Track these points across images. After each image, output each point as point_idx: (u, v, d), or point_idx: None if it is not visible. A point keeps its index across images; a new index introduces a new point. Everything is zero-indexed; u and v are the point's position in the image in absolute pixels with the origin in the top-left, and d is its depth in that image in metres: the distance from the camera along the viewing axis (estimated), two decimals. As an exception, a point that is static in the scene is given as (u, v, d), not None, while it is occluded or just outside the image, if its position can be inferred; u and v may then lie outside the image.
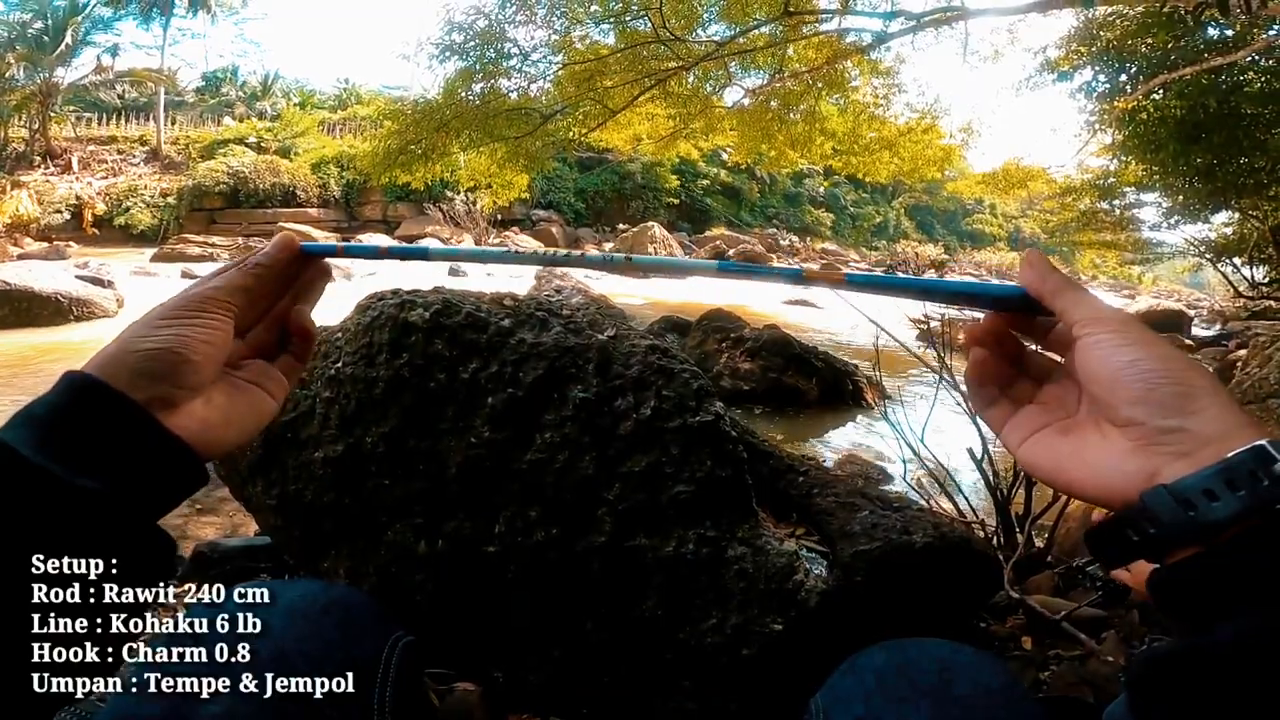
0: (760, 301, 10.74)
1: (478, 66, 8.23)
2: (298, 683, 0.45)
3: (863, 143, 10.00)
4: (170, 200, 20.02)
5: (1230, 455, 0.29)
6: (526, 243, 20.74)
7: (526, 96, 8.74)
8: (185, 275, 10.23)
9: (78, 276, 7.51)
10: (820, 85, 8.82)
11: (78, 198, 19.42)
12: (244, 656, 0.44)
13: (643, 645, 1.05)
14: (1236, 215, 9.62)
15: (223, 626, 0.45)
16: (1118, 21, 6.92)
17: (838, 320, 9.02)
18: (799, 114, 9.45)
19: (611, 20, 8.08)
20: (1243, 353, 6.19)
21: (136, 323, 0.41)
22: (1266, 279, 10.65)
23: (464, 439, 1.11)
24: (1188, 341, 9.58)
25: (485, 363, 1.11)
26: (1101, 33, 7.20)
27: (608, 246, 16.20)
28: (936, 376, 2.06)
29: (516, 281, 10.09)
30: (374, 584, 1.15)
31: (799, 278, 0.44)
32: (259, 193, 20.36)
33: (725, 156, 23.11)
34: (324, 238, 16.27)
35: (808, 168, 24.01)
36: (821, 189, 35.93)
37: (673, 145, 11.33)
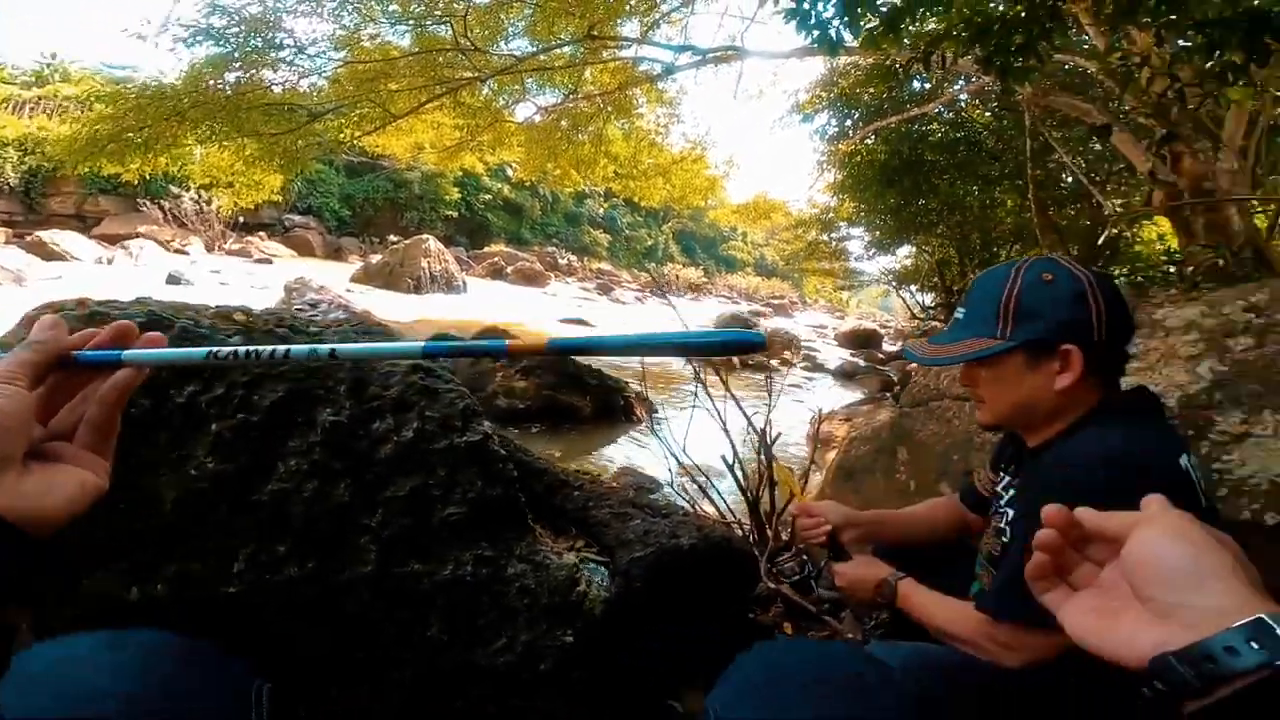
0: (537, 319, 10.81)
1: (237, 55, 7.17)
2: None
3: (642, 168, 10.68)
4: None
5: (1233, 626, 0.34)
6: (276, 249, 18.41)
7: (294, 91, 7.84)
8: None
9: None
10: (610, 109, 9.22)
11: None
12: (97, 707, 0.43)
13: (435, 672, 0.99)
14: (914, 249, 12.02)
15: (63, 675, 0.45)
16: (852, 71, 8.22)
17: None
18: (587, 135, 9.78)
19: (411, 22, 7.60)
20: (915, 366, 7.73)
21: None
22: (933, 304, 13.49)
23: (180, 471, 0.94)
24: (880, 355, 11.74)
25: (206, 385, 0.94)
26: (839, 80, 8.50)
27: (375, 258, 15.05)
28: (693, 393, 2.24)
29: (260, 294, 8.87)
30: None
31: (504, 351, 0.46)
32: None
33: (511, 172, 22.96)
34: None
35: (589, 189, 24.88)
36: (601, 210, 37.52)
37: (457, 156, 11.00)
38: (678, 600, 1.35)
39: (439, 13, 7.48)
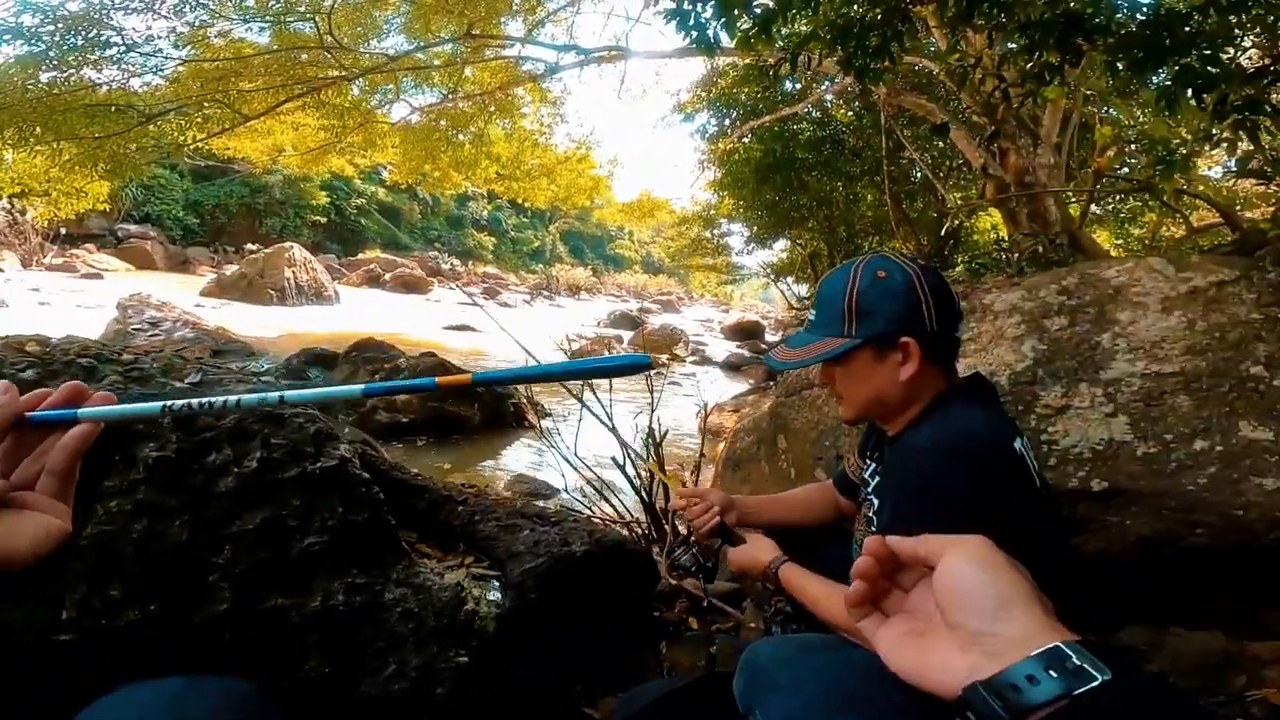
0: (418, 328, 10.35)
1: (53, 53, 6.26)
2: None
3: (525, 168, 10.49)
4: None
5: (1032, 655, 0.35)
6: (108, 263, 16.39)
7: (123, 91, 6.98)
8: None
9: None
10: (492, 109, 8.95)
11: None
12: None
13: (322, 707, 0.91)
14: (789, 243, 12.67)
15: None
16: (730, 71, 8.48)
17: (496, 344, 9.19)
18: (468, 136, 9.46)
19: (269, 19, 6.94)
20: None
21: None
22: (808, 294, 14.28)
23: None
24: (764, 345, 12.30)
25: (-4, 423, 0.80)
26: (718, 80, 8.75)
27: (230, 269, 13.78)
28: (578, 398, 2.21)
29: (89, 314, 7.83)
30: None
31: (433, 387, 0.51)
32: None
33: (385, 175, 21.79)
34: None
35: (472, 190, 24.13)
36: (485, 213, 36.55)
37: (323, 159, 10.29)
38: (575, 607, 1.32)
39: (302, 9, 6.95)
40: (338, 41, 6.88)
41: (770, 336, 14.72)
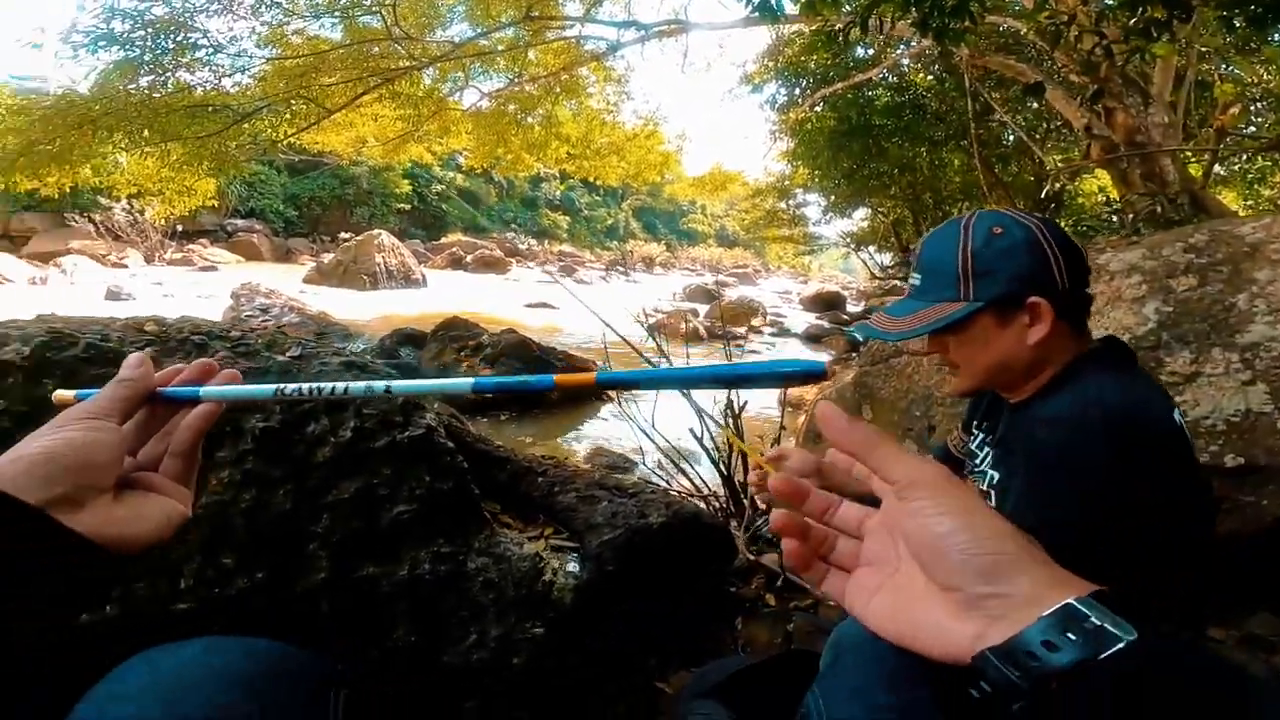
0: (499, 307, 10.64)
1: (146, 58, 6.78)
2: None
3: (594, 147, 10.55)
4: None
5: (1044, 615, 0.31)
6: (220, 256, 17.76)
7: (217, 91, 7.48)
8: None
9: None
10: (558, 90, 9.05)
11: None
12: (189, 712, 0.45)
13: (408, 677, 0.95)
14: (869, 211, 12.18)
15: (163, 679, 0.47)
16: (797, 39, 8.22)
17: (574, 320, 9.33)
18: (537, 118, 9.62)
19: (337, 15, 7.29)
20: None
21: (30, 436, 0.43)
22: (891, 263, 13.71)
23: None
24: (845, 316, 11.89)
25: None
26: (785, 49, 8.49)
27: (327, 257, 14.62)
28: (658, 365, 2.20)
29: (206, 303, 8.53)
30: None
31: (550, 387, 0.46)
32: None
33: (462, 160, 22.47)
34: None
35: (544, 172, 24.52)
36: (558, 193, 37.08)
37: (403, 148, 10.71)
38: (651, 580, 1.33)
39: (367, 2, 7.20)
40: (405, 32, 7.08)
41: (851, 307, 14.22)
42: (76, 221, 16.27)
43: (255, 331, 1.00)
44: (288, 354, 0.97)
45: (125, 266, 14.59)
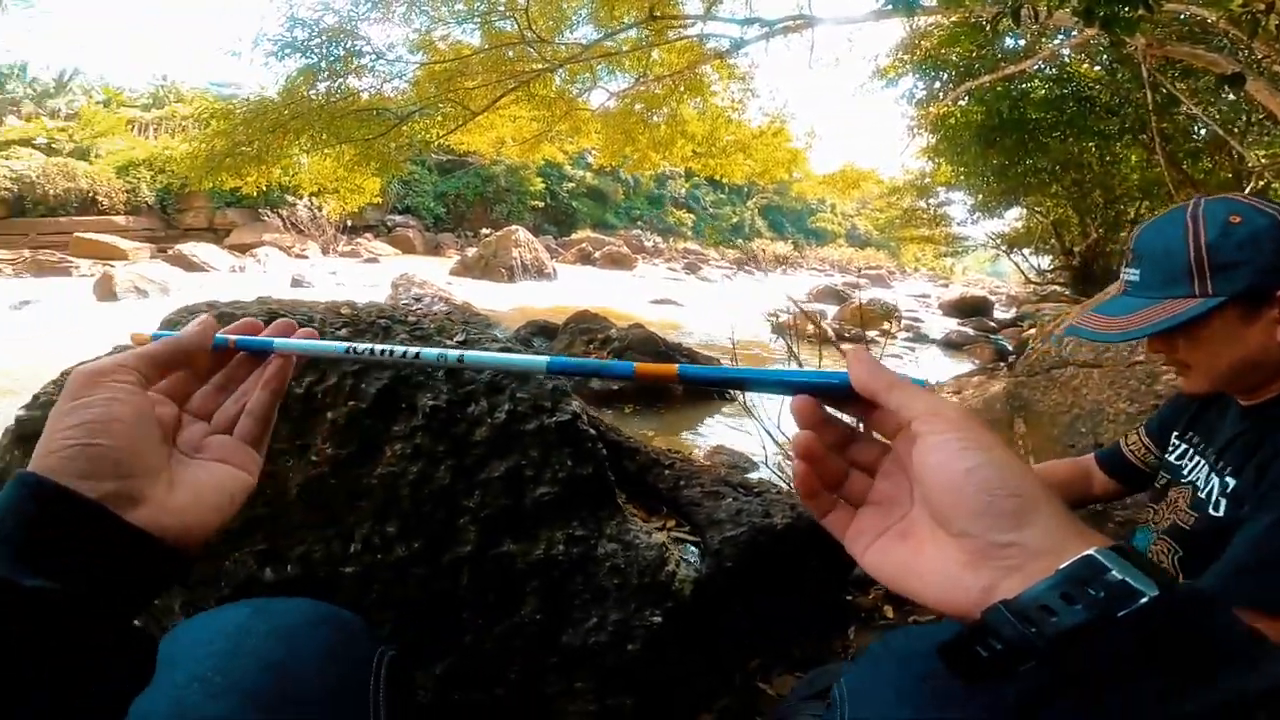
0: (627, 302, 10.91)
1: (323, 65, 7.67)
2: (295, 694, 0.47)
3: (720, 145, 10.53)
4: (-58, 210, 16.69)
5: (1063, 567, 0.29)
6: (381, 249, 19.57)
7: (380, 96, 8.30)
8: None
9: None
10: (682, 89, 9.16)
11: None
12: (242, 668, 0.46)
13: (528, 652, 1.03)
14: (1024, 211, 11.15)
15: (214, 640, 0.48)
16: (935, 31, 7.76)
17: (699, 317, 9.37)
18: (662, 117, 9.78)
19: (476, 20, 7.87)
20: (1033, 331, 7.22)
21: (54, 410, 0.39)
22: (1051, 266, 12.48)
23: (304, 458, 1.02)
24: (991, 324, 10.98)
25: (321, 376, 1.02)
26: (921, 42, 8.04)
27: (470, 251, 15.69)
28: (787, 366, 2.18)
29: (371, 291, 9.49)
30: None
31: (631, 374, 0.44)
32: (49, 199, 17.52)
33: (591, 159, 23.29)
34: (133, 249, 14.28)
35: (669, 170, 24.83)
36: (683, 190, 37.31)
37: (537, 148, 11.27)
38: (770, 580, 1.33)
39: (502, 7, 7.63)
40: (537, 35, 7.42)
41: (1000, 313, 13.12)
42: (268, 217, 18.64)
43: (428, 317, 1.13)
44: (455, 339, 1.08)
45: (306, 257, 16.58)
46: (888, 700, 0.55)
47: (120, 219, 18.13)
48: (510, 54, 7.90)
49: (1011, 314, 13.36)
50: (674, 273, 20.85)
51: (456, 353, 0.46)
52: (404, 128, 8.20)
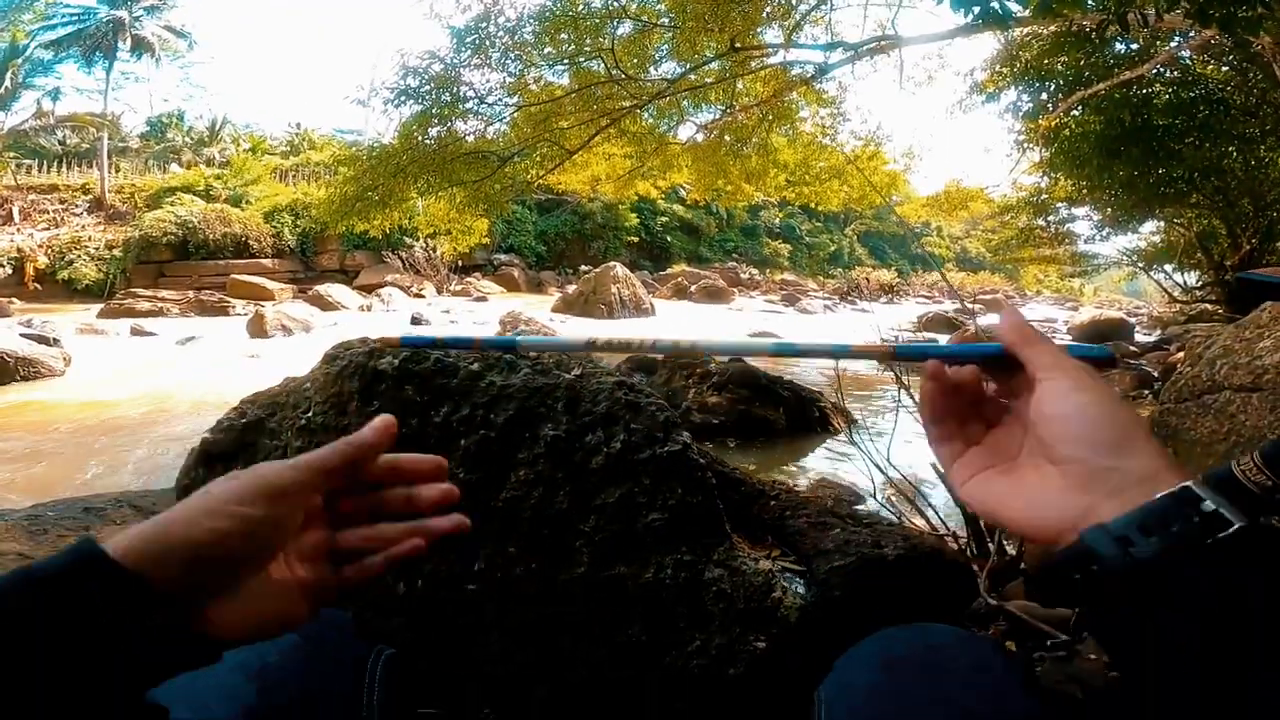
0: (724, 335, 10.89)
1: (433, 110, 8.28)
2: (288, 690, 0.47)
3: (813, 172, 10.39)
4: (116, 253, 19.23)
5: (1161, 494, 0.31)
6: (488, 287, 20.71)
7: (483, 139, 8.78)
8: (135, 332, 9.78)
9: (22, 334, 7.17)
10: (770, 117, 9.15)
11: (19, 250, 18.50)
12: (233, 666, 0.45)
13: (630, 673, 1.06)
14: (1162, 224, 10.17)
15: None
16: (1034, 42, 7.36)
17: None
18: (752, 147, 9.76)
19: (565, 62, 8.29)
20: (1181, 355, 6.51)
21: (204, 496, 0.39)
22: (1199, 283, 11.25)
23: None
24: (1131, 348, 9.98)
25: (456, 406, 1.13)
26: (1020, 53, 7.64)
27: (570, 289, 16.27)
28: (896, 398, 2.13)
29: (482, 329, 10.05)
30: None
31: (847, 352, 0.47)
32: (209, 243, 19.79)
33: (683, 193, 23.70)
34: (279, 289, 15.97)
35: (763, 200, 24.73)
36: (777, 220, 37.02)
37: (631, 184, 11.55)
38: (879, 611, 1.30)
39: (588, 49, 7.95)
40: (624, 73, 7.65)
41: (1141, 337, 11.94)
42: (390, 258, 20.26)
43: (546, 353, 1.22)
44: (571, 373, 1.17)
45: (423, 296, 17.87)
46: (858, 698, 0.58)
47: (268, 261, 20.30)
48: (599, 92, 8.18)
49: (1154, 336, 12.11)
50: (772, 305, 20.58)
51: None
52: (506, 169, 8.60)
